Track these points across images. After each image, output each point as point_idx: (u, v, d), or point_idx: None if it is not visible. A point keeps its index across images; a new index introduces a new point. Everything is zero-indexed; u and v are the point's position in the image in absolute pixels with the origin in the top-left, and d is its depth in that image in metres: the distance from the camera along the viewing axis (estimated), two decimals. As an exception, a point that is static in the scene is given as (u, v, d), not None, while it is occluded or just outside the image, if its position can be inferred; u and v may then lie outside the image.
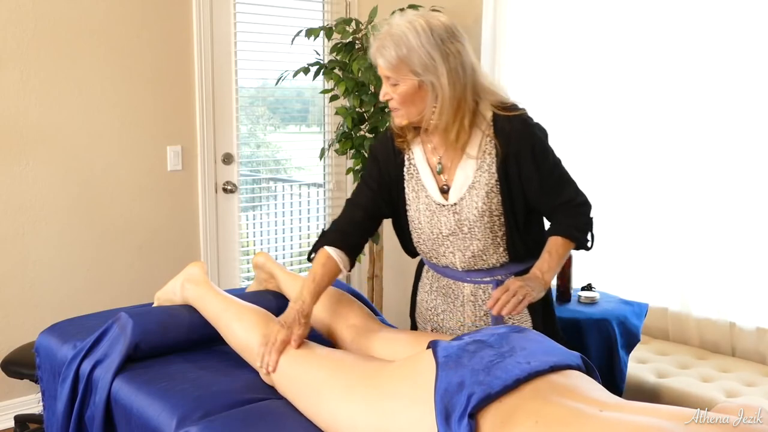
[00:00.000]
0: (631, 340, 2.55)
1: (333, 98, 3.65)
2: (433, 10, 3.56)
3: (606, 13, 3.16)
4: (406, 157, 1.96)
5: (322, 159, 3.84)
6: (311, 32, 3.45)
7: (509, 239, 1.90)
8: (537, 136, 1.88)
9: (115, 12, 3.27)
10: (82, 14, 3.19)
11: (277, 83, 3.59)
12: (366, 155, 3.29)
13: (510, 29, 3.45)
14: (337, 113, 3.56)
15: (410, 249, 2.07)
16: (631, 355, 2.68)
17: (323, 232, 2.01)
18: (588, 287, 2.74)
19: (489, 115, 1.86)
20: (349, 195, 2.12)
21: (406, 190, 1.96)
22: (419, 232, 1.96)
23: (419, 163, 1.93)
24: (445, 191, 1.90)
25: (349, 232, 1.96)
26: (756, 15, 2.71)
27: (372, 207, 1.98)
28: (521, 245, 1.91)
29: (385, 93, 1.83)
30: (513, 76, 3.48)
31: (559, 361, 1.46)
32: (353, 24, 3.48)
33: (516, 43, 3.45)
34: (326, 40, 3.69)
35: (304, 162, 4.17)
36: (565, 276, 2.70)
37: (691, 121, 2.92)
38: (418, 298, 2.11)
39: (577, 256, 2.81)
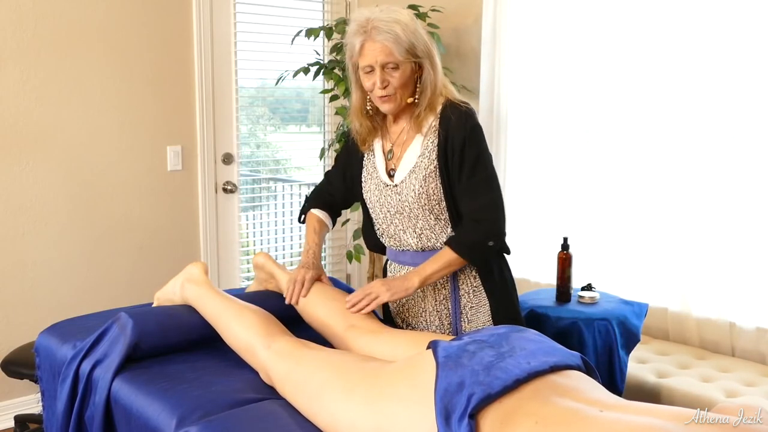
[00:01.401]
0: (631, 340, 2.55)
1: (333, 98, 3.65)
2: (433, 11, 3.60)
3: (606, 13, 3.15)
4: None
5: (322, 159, 3.84)
6: (311, 32, 3.45)
7: (453, 222, 2.02)
8: (472, 130, 1.97)
9: (115, 12, 3.27)
10: (82, 14, 3.19)
11: (277, 83, 3.59)
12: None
13: (510, 29, 3.45)
14: (337, 113, 3.56)
15: (374, 242, 2.21)
16: (631, 355, 2.67)
17: (308, 197, 2.31)
18: (588, 287, 2.73)
19: (440, 107, 2.01)
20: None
21: (363, 172, 2.15)
22: (372, 209, 2.14)
23: (377, 149, 2.13)
24: (391, 175, 2.07)
25: (330, 201, 2.26)
26: (755, 15, 2.71)
27: (339, 180, 2.24)
28: None
29: (384, 80, 1.92)
30: (513, 76, 3.48)
31: (559, 362, 1.46)
32: (353, 24, 3.48)
33: (516, 43, 3.44)
34: (326, 40, 3.70)
35: (304, 162, 4.17)
36: (565, 276, 2.70)
37: (691, 121, 2.92)
38: None
39: (577, 256, 2.82)
